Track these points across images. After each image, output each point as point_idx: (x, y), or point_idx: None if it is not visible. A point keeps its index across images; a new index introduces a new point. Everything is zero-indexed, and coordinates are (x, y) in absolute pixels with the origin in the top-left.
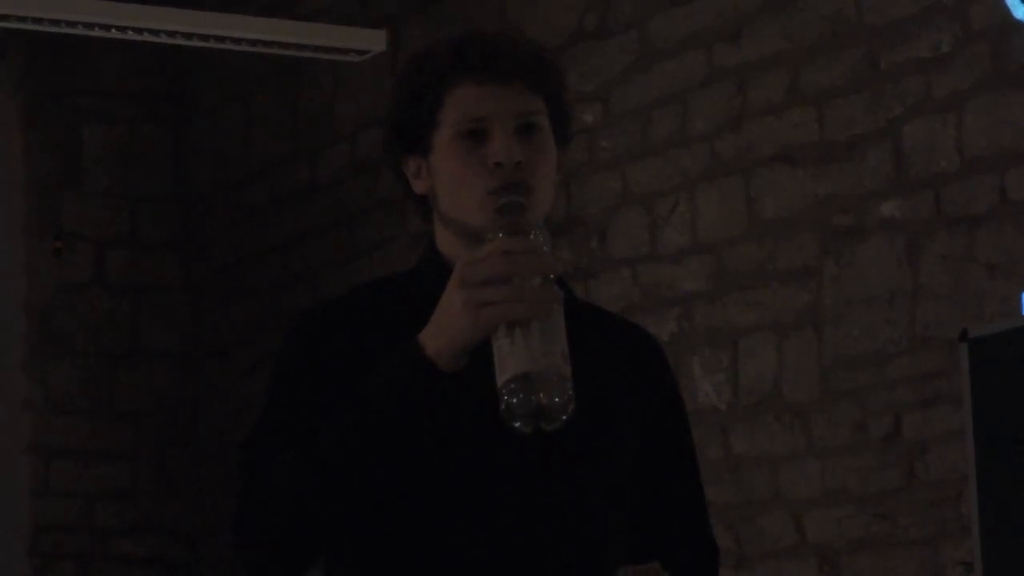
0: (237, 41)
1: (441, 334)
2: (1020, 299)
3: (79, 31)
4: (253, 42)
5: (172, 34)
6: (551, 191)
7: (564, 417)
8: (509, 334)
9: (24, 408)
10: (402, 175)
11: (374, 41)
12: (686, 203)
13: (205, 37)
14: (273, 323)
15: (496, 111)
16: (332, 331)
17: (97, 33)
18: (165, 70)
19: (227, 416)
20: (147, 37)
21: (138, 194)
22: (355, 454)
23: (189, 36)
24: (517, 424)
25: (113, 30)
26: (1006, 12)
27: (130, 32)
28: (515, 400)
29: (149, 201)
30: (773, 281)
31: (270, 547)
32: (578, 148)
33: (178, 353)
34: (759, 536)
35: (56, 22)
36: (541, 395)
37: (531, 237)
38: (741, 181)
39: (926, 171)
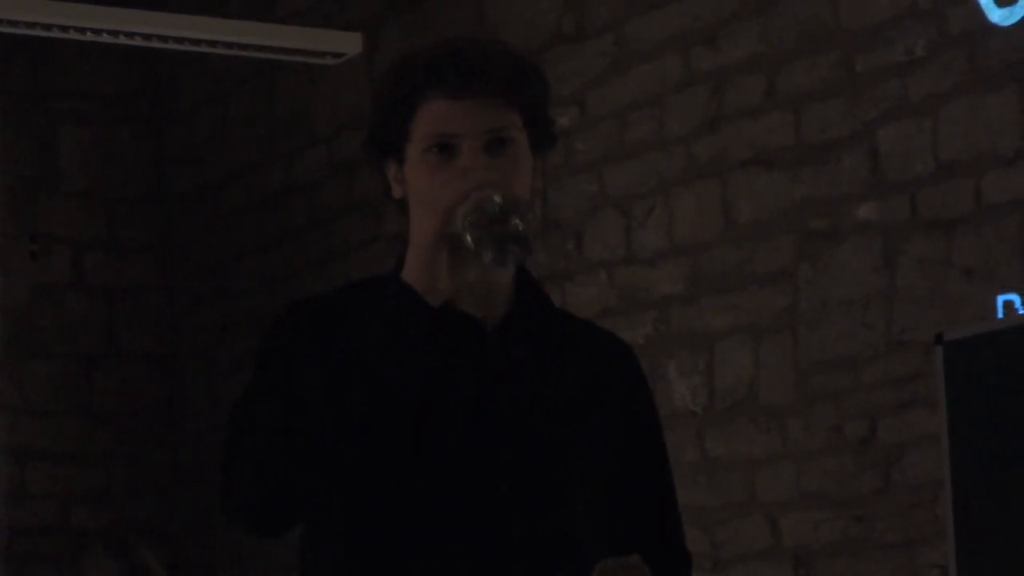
0: (214, 43)
1: (411, 252)
2: (996, 302)
3: (55, 34)
4: (230, 44)
5: (148, 37)
6: (527, 198)
7: (524, 226)
8: (465, 201)
9: (0, 410)
10: (384, 176)
11: (350, 44)
12: (662, 206)
13: (181, 40)
14: (250, 325)
15: (467, 128)
16: (312, 328)
17: (73, 36)
18: (142, 72)
19: (204, 418)
20: (123, 40)
21: (115, 196)
22: (335, 391)
23: (165, 39)
24: (485, 252)
25: (89, 33)
26: (982, 15)
27: (106, 35)
28: (476, 213)
29: (126, 203)
30: (749, 284)
31: (256, 491)
32: (555, 151)
33: (155, 355)
34: (735, 539)
35: (32, 24)
36: (498, 202)
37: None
38: (717, 184)
39: (902, 174)
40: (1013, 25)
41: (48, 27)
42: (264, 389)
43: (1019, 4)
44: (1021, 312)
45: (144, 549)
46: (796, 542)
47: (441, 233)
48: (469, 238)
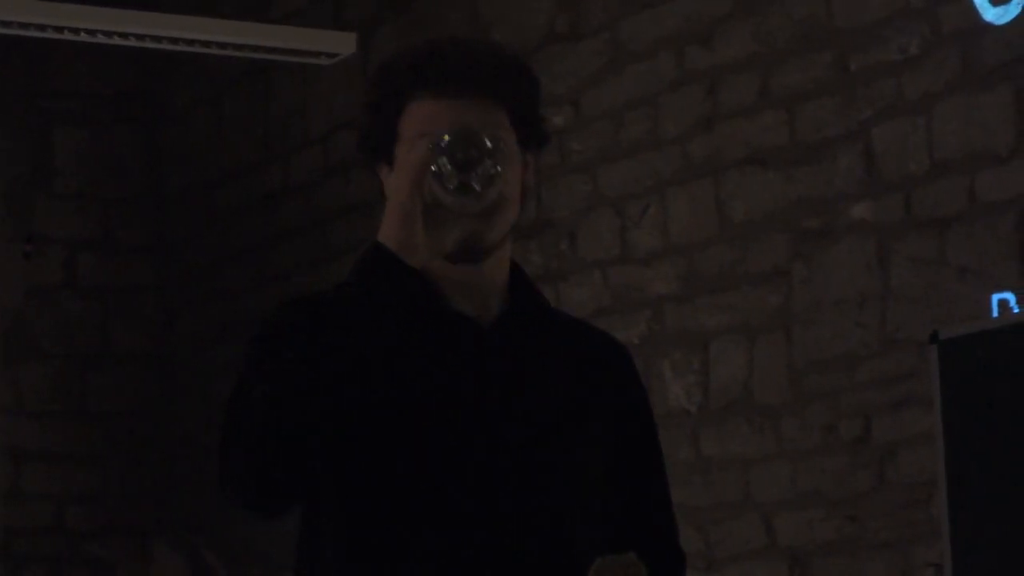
0: (208, 44)
1: (387, 213)
2: (990, 301)
3: (50, 34)
4: (224, 45)
5: (143, 37)
6: (515, 201)
7: (490, 145)
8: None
9: None
10: (379, 179)
11: (344, 44)
12: (657, 205)
13: (176, 40)
14: (245, 325)
15: (452, 127)
16: (305, 324)
17: (68, 36)
18: (136, 73)
19: (199, 418)
20: (117, 41)
21: (109, 196)
22: (328, 364)
23: (160, 39)
24: (448, 183)
25: (83, 33)
26: (975, 14)
27: (100, 35)
28: (436, 145)
29: (120, 203)
30: (744, 283)
31: (252, 462)
32: (549, 150)
33: (149, 355)
34: (729, 538)
35: (26, 25)
36: (464, 131)
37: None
38: (712, 183)
39: (896, 173)
40: (1007, 24)
41: (43, 28)
42: (257, 373)
43: (1013, 3)
44: (1016, 311)
45: (205, 547)
46: (791, 541)
47: (416, 185)
48: (433, 168)
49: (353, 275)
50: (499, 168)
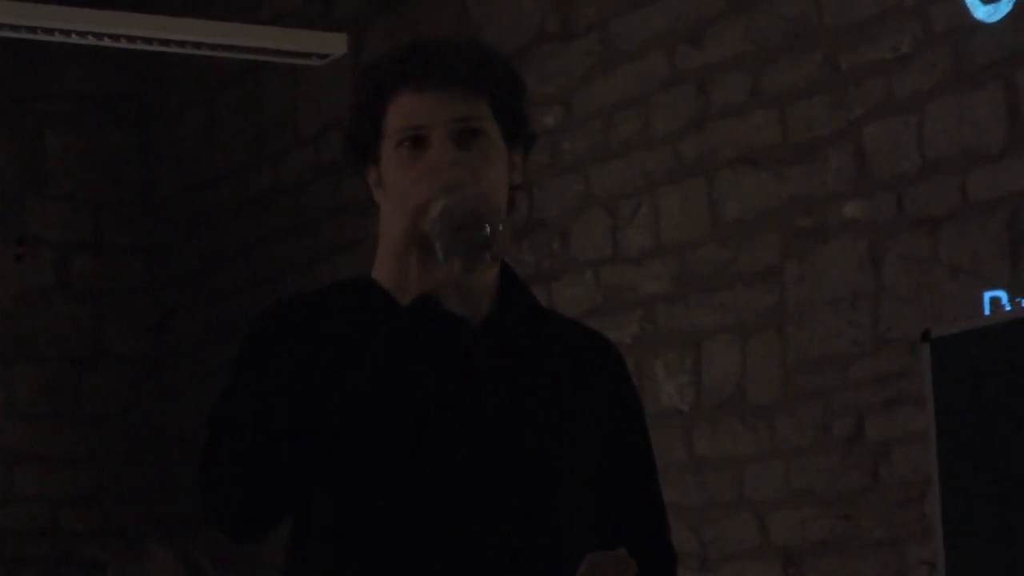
0: (199, 45)
1: (381, 251)
2: (982, 299)
3: (41, 36)
4: (215, 46)
5: (134, 39)
6: (502, 195)
7: (496, 240)
8: (435, 202)
9: None
10: (367, 183)
11: (335, 45)
12: (648, 205)
13: (167, 42)
14: (237, 326)
15: (434, 118)
16: (297, 325)
17: (58, 38)
18: (128, 74)
19: (192, 420)
20: (108, 42)
21: (101, 198)
22: (313, 389)
23: (151, 41)
24: (453, 259)
25: (75, 35)
26: (966, 13)
27: (91, 37)
28: (442, 216)
29: (112, 205)
30: (736, 283)
31: (235, 487)
32: (540, 150)
33: (142, 357)
34: (723, 538)
35: (17, 27)
36: (467, 203)
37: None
38: (703, 183)
39: (888, 172)
40: (998, 22)
41: (33, 29)
42: (243, 388)
43: (1003, 1)
44: (1007, 309)
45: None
46: (784, 540)
47: (411, 232)
48: (438, 246)
49: (356, 308)
50: (496, 249)
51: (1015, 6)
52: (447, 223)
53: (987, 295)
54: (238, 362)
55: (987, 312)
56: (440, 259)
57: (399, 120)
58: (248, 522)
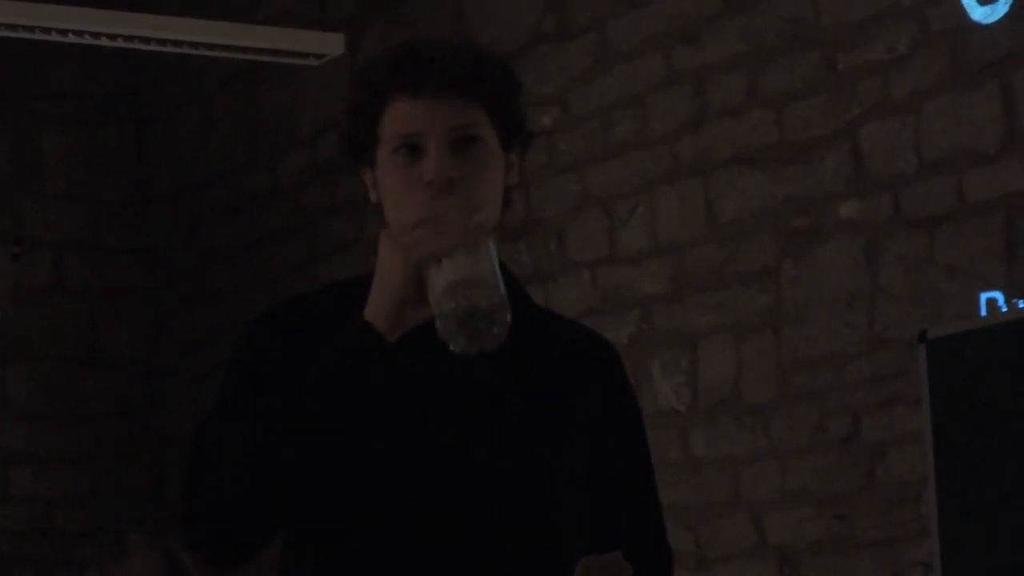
0: (196, 45)
1: (377, 293)
2: (979, 300)
3: (37, 35)
4: (212, 46)
5: (130, 38)
6: (496, 202)
7: (499, 325)
8: (437, 266)
9: None
10: (363, 182)
11: (332, 45)
12: (645, 205)
13: (164, 41)
14: (233, 327)
15: (429, 127)
16: (290, 330)
17: (55, 38)
18: (124, 74)
19: (187, 420)
20: (104, 42)
21: (97, 198)
22: (299, 422)
23: (148, 40)
24: (456, 339)
25: (71, 34)
26: (963, 13)
27: (88, 36)
28: (447, 308)
29: (108, 205)
30: (732, 283)
31: (218, 517)
32: (537, 150)
33: (138, 357)
34: (719, 538)
35: (13, 27)
36: (471, 296)
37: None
38: (700, 183)
39: (885, 172)
40: (995, 23)
41: (30, 29)
42: (230, 410)
43: (1000, 2)
44: (1004, 310)
45: (179, 548)
46: (780, 540)
47: (406, 281)
48: (439, 325)
49: (341, 303)
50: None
51: (1012, 7)
52: (455, 309)
53: (983, 296)
54: (225, 382)
55: (983, 313)
56: (440, 335)
57: (395, 127)
58: (230, 553)
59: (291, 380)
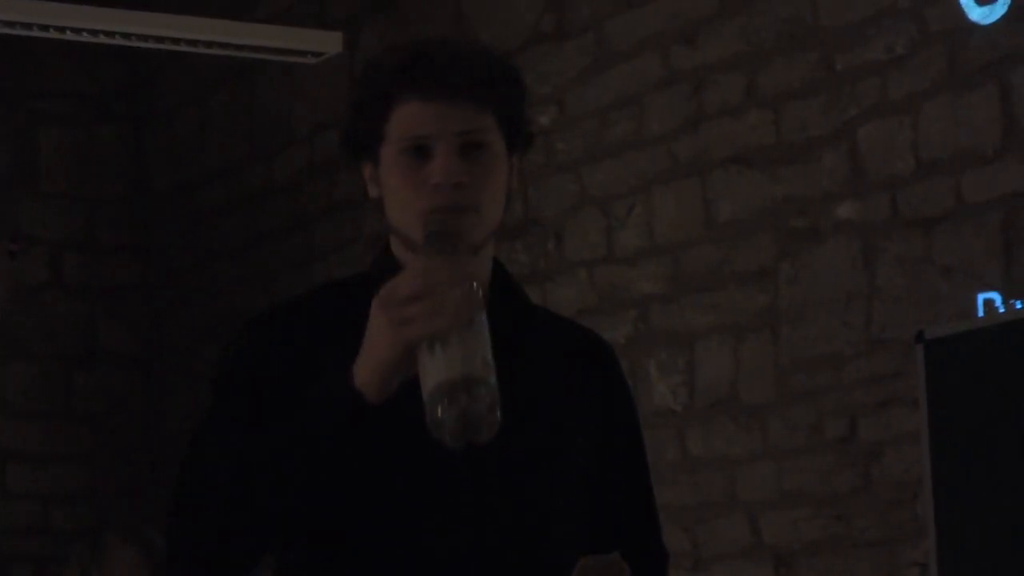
0: (194, 43)
1: (369, 360)
2: (976, 301)
3: (35, 33)
4: (210, 44)
5: (128, 36)
6: (499, 208)
7: (488, 426)
8: (430, 349)
9: None
10: (361, 177)
11: (330, 43)
12: (643, 205)
13: (162, 39)
14: (231, 325)
15: (439, 130)
16: (280, 339)
17: (52, 35)
18: (121, 72)
19: (184, 418)
20: (103, 39)
21: (95, 196)
22: (284, 474)
23: (146, 38)
24: (446, 438)
25: (68, 32)
26: (961, 14)
27: (85, 34)
28: (437, 410)
29: (106, 203)
30: (730, 283)
31: (204, 548)
32: (535, 150)
33: (135, 355)
34: (715, 538)
35: (11, 24)
36: (462, 401)
37: (458, 253)
38: (698, 183)
39: (882, 173)
40: (993, 24)
41: (28, 26)
42: (225, 433)
43: (999, 3)
44: (1001, 311)
45: (158, 536)
46: (776, 541)
47: (398, 357)
48: (430, 422)
49: (319, 391)
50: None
51: (1010, 7)
52: (447, 416)
53: (981, 296)
54: (219, 395)
55: (981, 314)
56: (429, 427)
57: (403, 128)
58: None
59: (288, 392)
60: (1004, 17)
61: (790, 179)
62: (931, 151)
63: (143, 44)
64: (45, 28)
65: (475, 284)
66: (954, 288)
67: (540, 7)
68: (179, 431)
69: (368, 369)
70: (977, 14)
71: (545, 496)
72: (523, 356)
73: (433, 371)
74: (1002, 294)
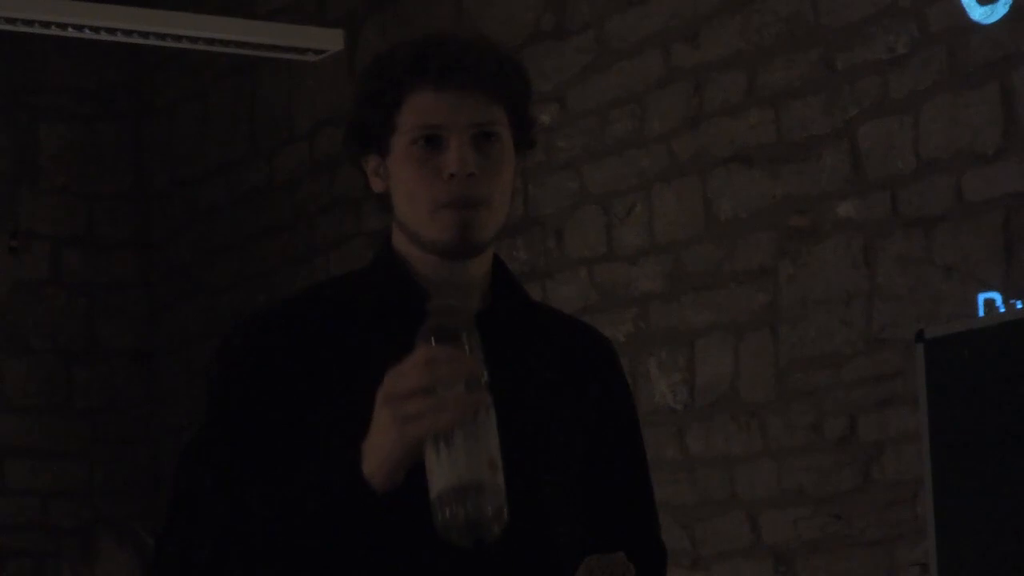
0: (194, 40)
1: (375, 452)
2: (976, 300)
3: (35, 29)
4: (210, 41)
5: (129, 33)
6: (507, 203)
7: (497, 528)
8: (435, 447)
9: None
10: (362, 171)
11: (331, 40)
12: (643, 203)
13: (162, 36)
14: (229, 321)
15: (453, 120)
16: (277, 344)
17: (53, 32)
18: (122, 68)
19: (183, 414)
20: (103, 36)
21: (95, 192)
22: (282, 544)
23: (146, 35)
24: (453, 539)
25: (69, 28)
26: (962, 13)
27: (86, 31)
28: (445, 515)
29: (106, 199)
30: (730, 282)
31: None
32: (535, 148)
33: (134, 351)
34: (715, 536)
35: (12, 20)
36: (468, 508)
37: (461, 340)
38: (698, 181)
39: (883, 172)
40: (994, 23)
41: (29, 23)
42: (215, 473)
43: (1000, 2)
44: (1002, 310)
45: (148, 536)
46: (776, 539)
47: (403, 455)
48: (435, 522)
49: (326, 470)
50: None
51: (1011, 7)
52: (453, 521)
53: (981, 296)
54: (218, 410)
55: (981, 313)
56: (435, 527)
57: (417, 117)
58: None
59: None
60: (1005, 17)
61: (790, 178)
62: (932, 150)
63: (144, 41)
64: (46, 25)
65: (481, 375)
66: (954, 287)
67: (541, 5)
68: (178, 426)
69: (375, 461)
70: (978, 14)
71: (546, 496)
72: (521, 353)
73: (438, 474)
74: (1002, 294)
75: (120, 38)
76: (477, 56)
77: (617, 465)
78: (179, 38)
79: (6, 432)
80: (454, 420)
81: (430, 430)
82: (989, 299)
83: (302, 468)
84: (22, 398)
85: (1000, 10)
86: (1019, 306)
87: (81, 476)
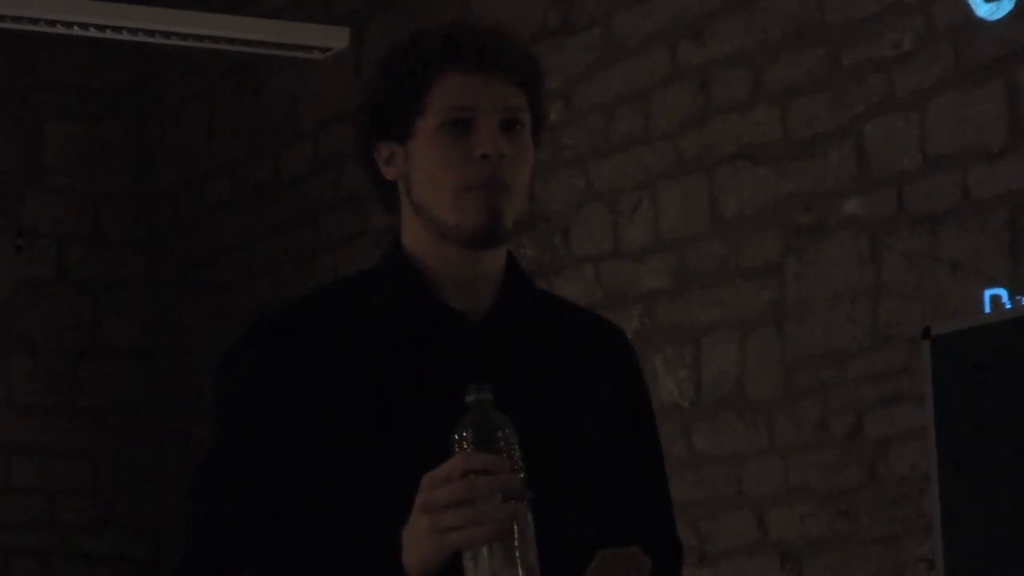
0: (200, 38)
1: (414, 551)
2: (982, 297)
3: (41, 28)
4: (216, 39)
5: (134, 31)
6: (524, 192)
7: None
8: (473, 557)
9: None
10: (372, 161)
11: (336, 38)
12: (649, 200)
13: (168, 34)
14: (236, 320)
15: (485, 102)
16: (285, 356)
17: (59, 30)
18: (127, 66)
19: (189, 413)
20: (109, 34)
21: (100, 190)
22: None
23: (152, 33)
24: None
25: (75, 27)
26: (968, 10)
27: (92, 29)
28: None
29: (111, 197)
30: (736, 279)
31: None
32: (541, 145)
33: (140, 349)
34: (721, 533)
35: (18, 19)
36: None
37: (499, 440)
38: (704, 179)
39: (888, 169)
40: (999, 20)
41: (35, 21)
42: (232, 483)
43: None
44: (1008, 307)
45: None
46: (782, 536)
47: (440, 560)
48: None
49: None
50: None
51: (1017, 4)
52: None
53: (987, 292)
54: (221, 420)
55: (987, 310)
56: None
57: (448, 99)
58: None
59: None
60: (1011, 13)
61: (796, 175)
62: (938, 147)
63: (149, 39)
64: (52, 23)
65: (519, 483)
66: (960, 284)
67: (547, 2)
68: (184, 425)
69: (414, 557)
70: (984, 10)
71: (558, 487)
72: (534, 347)
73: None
74: (1009, 290)
75: (125, 36)
76: (507, 42)
77: (633, 458)
78: (185, 36)
79: (12, 431)
80: (492, 534)
81: (469, 543)
82: (995, 295)
83: (338, 547)
84: (28, 397)
85: (1006, 6)
86: None
87: (87, 474)
